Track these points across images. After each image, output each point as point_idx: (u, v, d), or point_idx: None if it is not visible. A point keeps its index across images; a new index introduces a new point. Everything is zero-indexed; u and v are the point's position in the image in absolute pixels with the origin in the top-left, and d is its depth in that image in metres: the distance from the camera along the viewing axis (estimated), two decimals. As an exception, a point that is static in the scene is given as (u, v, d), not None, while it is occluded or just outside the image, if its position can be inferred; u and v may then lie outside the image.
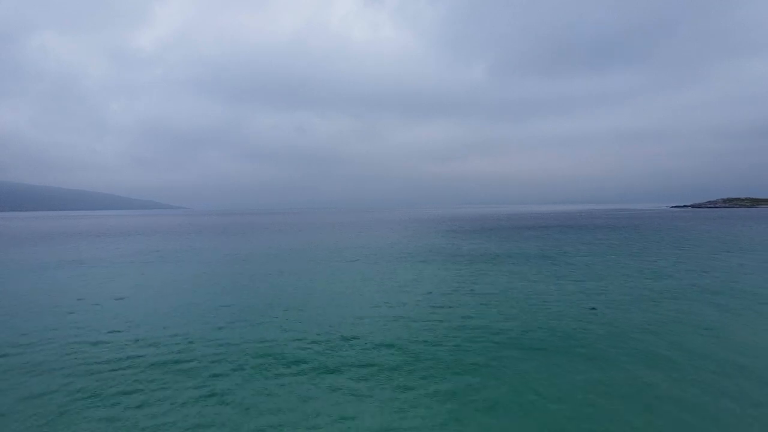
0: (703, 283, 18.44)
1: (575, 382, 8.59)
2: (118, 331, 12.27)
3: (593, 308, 14.33)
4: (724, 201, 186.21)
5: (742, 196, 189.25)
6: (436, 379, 8.80)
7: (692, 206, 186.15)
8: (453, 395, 8.10)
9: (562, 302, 15.22)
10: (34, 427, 7.09)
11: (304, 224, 78.97)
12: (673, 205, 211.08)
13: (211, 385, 8.64)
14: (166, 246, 38.54)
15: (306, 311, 14.35)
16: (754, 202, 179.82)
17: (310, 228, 66.25)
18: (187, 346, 10.92)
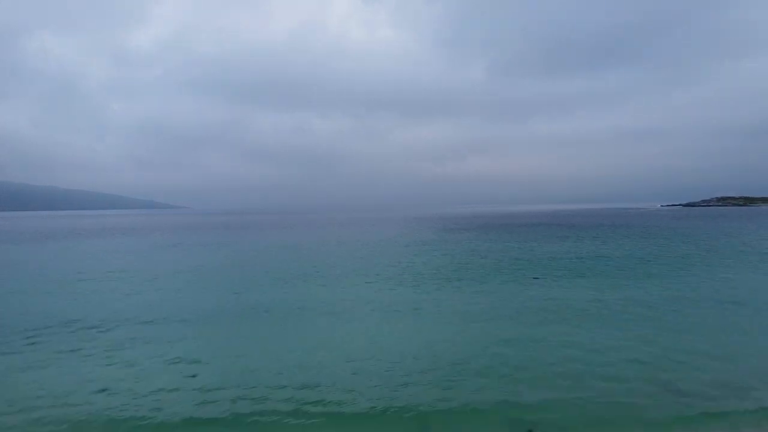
0: (635, 261, 23.34)
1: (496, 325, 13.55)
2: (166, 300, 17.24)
3: (536, 278, 19.18)
4: (718, 200, 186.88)
5: (738, 194, 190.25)
6: (414, 311, 13.81)
7: (684, 205, 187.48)
8: (418, 315, 13.13)
9: (513, 273, 20.16)
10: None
11: (309, 223, 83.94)
12: (665, 203, 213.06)
13: (248, 331, 13.62)
14: (198, 239, 43.56)
15: (320, 282, 19.29)
16: (748, 201, 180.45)
17: (316, 226, 71.25)
18: (234, 297, 15.86)
